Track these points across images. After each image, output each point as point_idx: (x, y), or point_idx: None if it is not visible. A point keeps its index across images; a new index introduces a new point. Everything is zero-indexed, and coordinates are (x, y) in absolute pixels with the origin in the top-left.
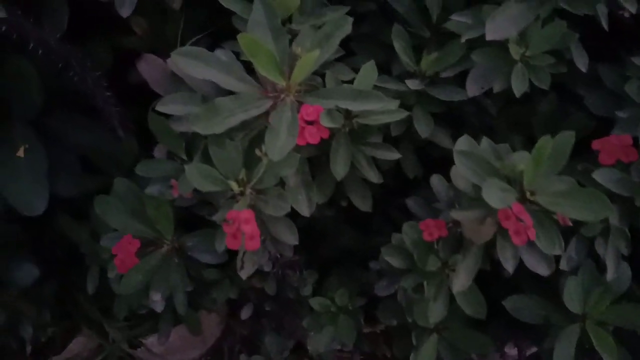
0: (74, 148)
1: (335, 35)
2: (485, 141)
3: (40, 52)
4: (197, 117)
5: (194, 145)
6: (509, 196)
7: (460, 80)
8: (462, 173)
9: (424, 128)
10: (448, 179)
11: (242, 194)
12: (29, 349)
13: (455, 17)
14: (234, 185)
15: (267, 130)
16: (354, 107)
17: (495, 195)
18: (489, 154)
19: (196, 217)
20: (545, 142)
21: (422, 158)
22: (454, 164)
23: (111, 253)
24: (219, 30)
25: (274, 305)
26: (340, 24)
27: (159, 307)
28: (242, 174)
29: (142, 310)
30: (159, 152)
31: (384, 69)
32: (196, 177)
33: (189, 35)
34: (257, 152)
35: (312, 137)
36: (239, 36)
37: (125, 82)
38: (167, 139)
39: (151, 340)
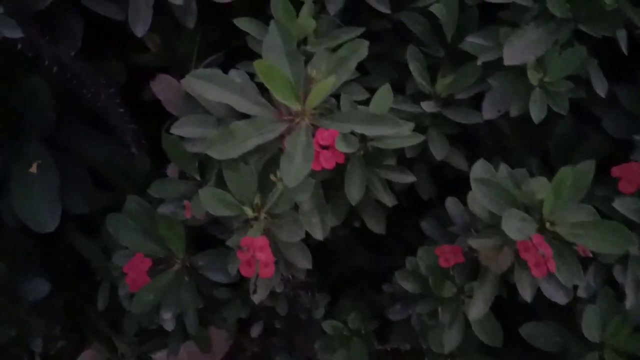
0: (87, 164)
1: (351, 59)
2: (503, 168)
3: (54, 69)
4: (212, 141)
5: (207, 165)
6: (529, 227)
7: (475, 101)
8: (479, 201)
9: (439, 150)
10: (462, 200)
11: (256, 218)
12: None
13: (470, 39)
14: (248, 211)
15: (283, 156)
16: (370, 131)
17: (514, 226)
18: (507, 182)
19: (208, 235)
20: (566, 173)
21: (436, 177)
22: (469, 185)
23: (121, 268)
24: (232, 48)
25: (284, 324)
26: (356, 48)
27: (169, 326)
28: (257, 199)
29: (152, 326)
30: (171, 171)
31: (397, 88)
32: (210, 202)
33: (202, 52)
34: (272, 177)
35: (328, 161)
36: (255, 63)
37: (138, 98)
38: (181, 160)
39: (160, 356)
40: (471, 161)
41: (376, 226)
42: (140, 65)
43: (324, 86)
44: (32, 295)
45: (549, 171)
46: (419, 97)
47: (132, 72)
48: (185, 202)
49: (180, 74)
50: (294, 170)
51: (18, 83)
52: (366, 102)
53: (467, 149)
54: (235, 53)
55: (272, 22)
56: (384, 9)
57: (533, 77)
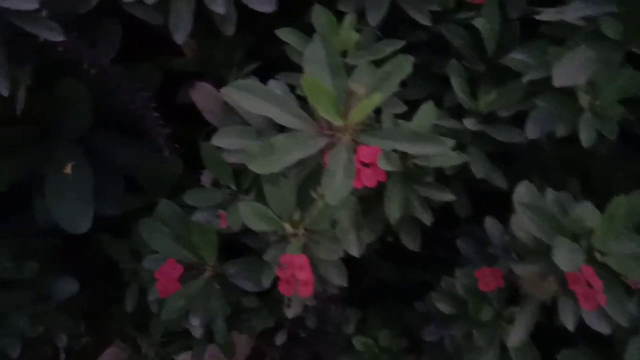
0: (120, 167)
1: (395, 74)
2: (549, 193)
3: (92, 72)
4: (254, 156)
5: (242, 175)
6: (578, 257)
7: (517, 117)
8: (526, 227)
9: (480, 169)
10: (498, 217)
11: (295, 234)
12: (62, 357)
13: (515, 55)
14: (288, 227)
15: (324, 172)
16: (413, 150)
17: (565, 257)
18: (554, 207)
19: (239, 242)
20: (619, 204)
21: (470, 190)
22: (503, 200)
23: (151, 272)
24: (268, 55)
25: (309, 333)
26: (401, 63)
27: (197, 333)
28: (296, 214)
29: (178, 329)
30: (206, 178)
31: (435, 100)
32: (250, 217)
33: (239, 58)
34: (313, 194)
35: (369, 179)
36: (302, 79)
37: (171, 100)
38: (217, 168)
39: (183, 357)
40: (508, 177)
41: (412, 243)
42: (175, 69)
43: (368, 103)
44: (60, 294)
45: (589, 191)
46: (457, 110)
47: (165, 75)
48: (221, 212)
49: (215, 80)
50: (336, 188)
51: (55, 85)
52: (404, 115)
53: (505, 165)
54: (271, 60)
55: (315, 35)
56: (425, 21)
57: (584, 100)
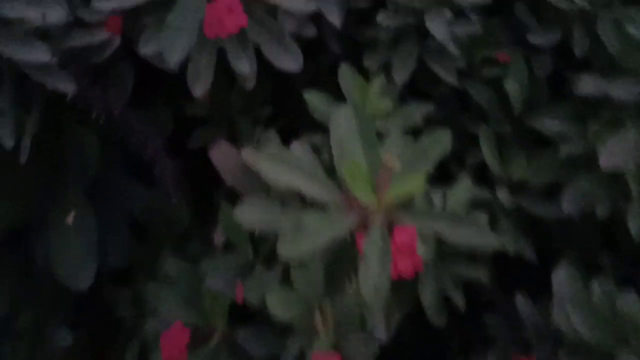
0: (126, 213)
1: (433, 150)
2: (596, 286)
3: (103, 118)
4: (285, 238)
5: (260, 241)
6: None
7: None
8: (573, 325)
9: (512, 244)
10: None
11: (324, 331)
12: None
13: (546, 120)
14: (318, 320)
15: (360, 263)
16: (452, 234)
17: None
18: (600, 300)
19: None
20: None
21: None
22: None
23: (155, 331)
24: (285, 101)
25: None
26: (439, 138)
27: None
28: (326, 305)
29: None
30: (218, 237)
31: (455, 156)
32: (277, 306)
33: (253, 107)
34: (347, 286)
35: (406, 269)
36: (344, 163)
37: (183, 142)
38: (234, 233)
39: None
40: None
41: (438, 319)
42: (187, 114)
43: (407, 185)
44: (56, 345)
45: (615, 252)
46: (480, 169)
47: (177, 117)
48: (238, 284)
49: (229, 127)
50: (372, 280)
51: (65, 131)
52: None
53: (532, 234)
54: (289, 109)
55: (348, 104)
56: (452, 80)
57: (634, 187)
